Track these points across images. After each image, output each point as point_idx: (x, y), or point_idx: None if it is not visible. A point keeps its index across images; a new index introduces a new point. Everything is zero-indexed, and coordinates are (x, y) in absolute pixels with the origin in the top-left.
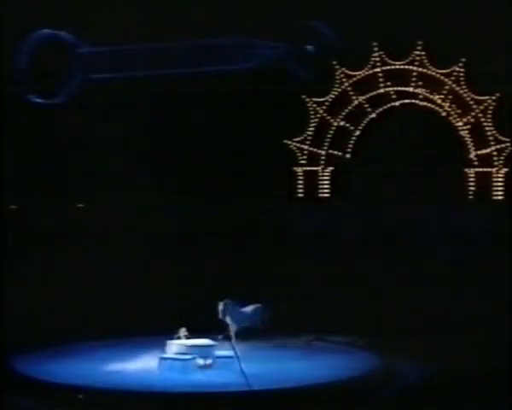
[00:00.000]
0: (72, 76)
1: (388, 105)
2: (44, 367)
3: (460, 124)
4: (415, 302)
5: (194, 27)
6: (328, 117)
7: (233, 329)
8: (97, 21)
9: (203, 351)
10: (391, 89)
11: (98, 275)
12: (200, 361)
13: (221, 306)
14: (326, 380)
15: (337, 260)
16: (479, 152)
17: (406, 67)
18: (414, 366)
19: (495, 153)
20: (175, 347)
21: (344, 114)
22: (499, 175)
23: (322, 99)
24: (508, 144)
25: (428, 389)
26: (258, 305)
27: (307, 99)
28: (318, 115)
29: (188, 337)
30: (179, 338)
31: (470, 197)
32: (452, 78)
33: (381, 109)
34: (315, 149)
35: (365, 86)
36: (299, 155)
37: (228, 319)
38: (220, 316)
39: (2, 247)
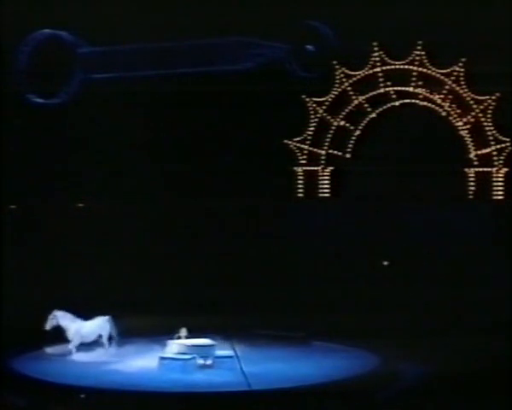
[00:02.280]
0: (72, 76)
1: (388, 105)
2: (44, 367)
3: (460, 124)
4: (415, 302)
5: (194, 27)
6: (328, 117)
7: (74, 342)
8: (97, 22)
9: (203, 351)
10: (391, 89)
11: (98, 275)
12: (201, 361)
13: (51, 316)
14: (326, 380)
15: (337, 260)
16: (479, 152)
17: (406, 66)
18: (414, 367)
19: (495, 153)
20: (175, 347)
21: (344, 113)
22: (499, 175)
23: (322, 99)
24: (508, 144)
25: (428, 389)
26: (105, 318)
27: (307, 99)
28: (318, 115)
29: (188, 337)
30: (179, 338)
31: (470, 197)
32: (452, 78)
33: (381, 109)
34: (315, 149)
35: (365, 86)
36: (299, 154)
37: (68, 333)
38: (47, 327)
39: (2, 247)
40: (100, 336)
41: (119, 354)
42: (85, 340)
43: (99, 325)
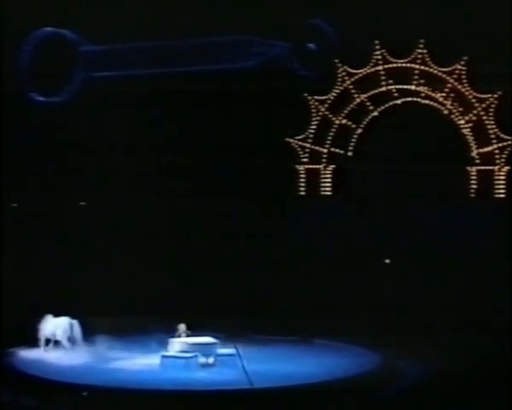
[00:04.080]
0: (74, 74)
1: (390, 103)
2: (46, 365)
3: (462, 122)
4: (415, 302)
5: (195, 26)
6: (330, 115)
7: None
8: (100, 20)
9: (205, 349)
10: (393, 87)
11: (99, 274)
12: (203, 359)
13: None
14: (328, 378)
15: (338, 258)
16: (480, 150)
17: (408, 65)
18: (414, 366)
19: (497, 151)
20: (177, 345)
21: (346, 112)
22: (501, 173)
23: (323, 97)
24: (510, 142)
25: (428, 388)
26: (65, 319)
27: (309, 97)
28: (320, 113)
29: (188, 334)
30: (180, 336)
31: (472, 195)
32: (454, 76)
33: (382, 107)
34: (317, 148)
35: (367, 84)
36: (301, 153)
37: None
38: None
39: (2, 245)
40: (58, 335)
41: (122, 352)
42: (50, 337)
43: (55, 325)
